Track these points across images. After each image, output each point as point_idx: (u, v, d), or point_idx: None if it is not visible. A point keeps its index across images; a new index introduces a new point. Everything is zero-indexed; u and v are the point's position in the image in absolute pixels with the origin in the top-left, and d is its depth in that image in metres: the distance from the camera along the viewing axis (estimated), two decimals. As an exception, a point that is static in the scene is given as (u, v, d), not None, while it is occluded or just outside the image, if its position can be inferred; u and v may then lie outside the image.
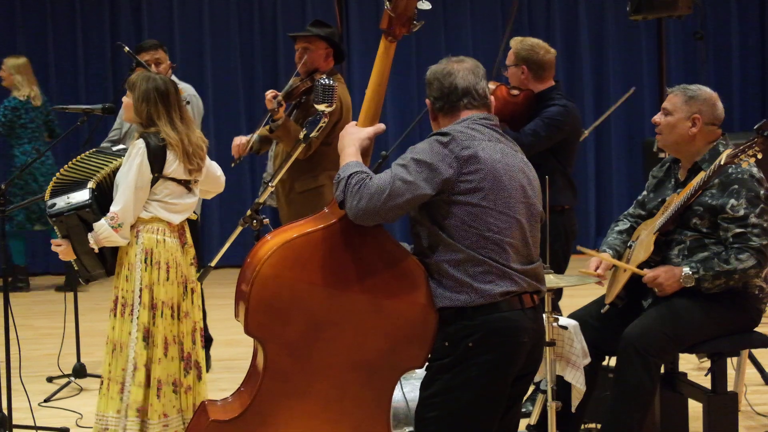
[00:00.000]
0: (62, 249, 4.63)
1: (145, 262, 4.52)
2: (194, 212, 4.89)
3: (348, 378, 3.51)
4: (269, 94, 5.57)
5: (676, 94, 4.52)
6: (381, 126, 3.63)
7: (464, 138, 3.42)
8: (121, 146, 5.04)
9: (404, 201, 3.37)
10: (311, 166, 5.61)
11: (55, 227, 4.64)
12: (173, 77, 6.46)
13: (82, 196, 4.58)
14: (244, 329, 3.50)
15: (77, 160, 4.76)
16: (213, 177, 4.82)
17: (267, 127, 5.71)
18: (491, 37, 10.48)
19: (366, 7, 10.56)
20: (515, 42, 5.51)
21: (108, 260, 4.64)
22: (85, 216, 4.54)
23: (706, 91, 4.51)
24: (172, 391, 4.54)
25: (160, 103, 4.56)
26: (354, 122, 3.66)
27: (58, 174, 4.74)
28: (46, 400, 5.92)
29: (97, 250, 4.55)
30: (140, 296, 4.50)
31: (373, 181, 3.39)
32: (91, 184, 4.59)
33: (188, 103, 6.09)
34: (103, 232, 4.47)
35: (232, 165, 5.95)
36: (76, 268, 4.72)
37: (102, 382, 4.58)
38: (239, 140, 5.90)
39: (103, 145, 6.24)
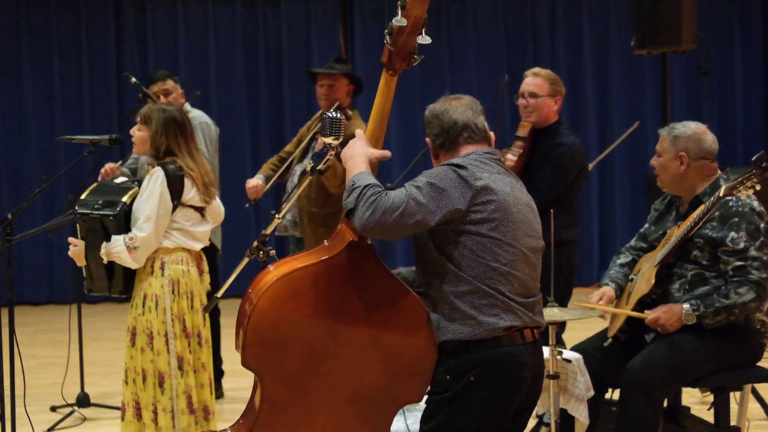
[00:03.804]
0: (76, 250, 4.65)
1: (173, 293, 4.58)
2: (214, 243, 4.85)
3: (345, 411, 3.49)
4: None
5: (663, 135, 4.55)
6: (387, 153, 3.62)
7: (476, 170, 3.45)
8: (123, 178, 5.07)
9: (414, 222, 3.36)
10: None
11: (77, 225, 4.69)
12: (186, 105, 6.51)
13: (112, 204, 4.63)
14: (241, 361, 3.49)
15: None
16: (215, 206, 4.86)
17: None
18: (495, 71, 10.49)
19: (370, 39, 10.58)
20: (545, 73, 5.37)
21: (116, 279, 4.66)
22: (108, 224, 4.58)
23: (691, 127, 4.51)
24: (203, 417, 4.67)
25: (179, 135, 4.64)
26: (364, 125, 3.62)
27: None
28: (49, 430, 5.91)
29: (105, 261, 4.58)
30: (173, 326, 4.56)
31: (389, 196, 3.37)
32: (125, 198, 4.64)
33: None
34: (117, 248, 4.52)
35: (246, 205, 6.18)
36: (83, 276, 4.75)
37: (126, 411, 4.61)
38: (255, 182, 6.08)
39: (123, 169, 6.28)
